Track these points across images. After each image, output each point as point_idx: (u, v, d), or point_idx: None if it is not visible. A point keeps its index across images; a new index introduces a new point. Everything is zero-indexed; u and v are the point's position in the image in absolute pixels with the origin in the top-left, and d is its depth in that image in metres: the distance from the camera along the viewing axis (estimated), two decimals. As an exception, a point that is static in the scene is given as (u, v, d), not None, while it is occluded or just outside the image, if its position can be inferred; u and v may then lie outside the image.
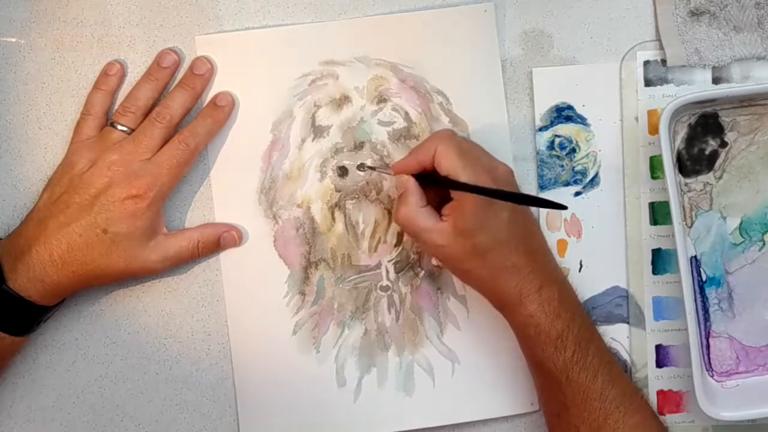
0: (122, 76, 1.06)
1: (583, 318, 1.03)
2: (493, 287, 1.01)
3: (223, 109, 1.05)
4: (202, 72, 1.05)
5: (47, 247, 0.99)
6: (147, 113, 1.04)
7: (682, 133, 1.06)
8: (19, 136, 1.07)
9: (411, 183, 1.00)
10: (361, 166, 1.07)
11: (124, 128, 1.03)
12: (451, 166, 0.98)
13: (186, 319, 1.08)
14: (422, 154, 1.00)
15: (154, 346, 1.08)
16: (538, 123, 1.08)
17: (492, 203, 0.97)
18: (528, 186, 1.08)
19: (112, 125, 1.04)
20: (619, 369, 1.03)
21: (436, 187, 1.00)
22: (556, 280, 1.02)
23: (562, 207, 0.95)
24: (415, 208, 0.99)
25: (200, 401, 1.08)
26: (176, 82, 1.06)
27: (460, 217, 0.98)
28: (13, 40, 1.06)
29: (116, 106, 1.05)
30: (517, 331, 1.02)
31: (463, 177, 0.97)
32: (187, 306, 1.08)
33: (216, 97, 1.06)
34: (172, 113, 1.03)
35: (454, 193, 0.99)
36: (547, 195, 1.08)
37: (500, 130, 1.07)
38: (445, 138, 1.00)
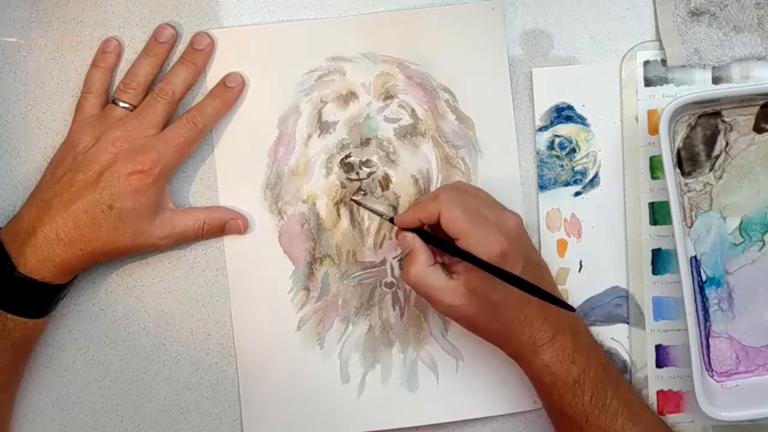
0: (120, 53, 1.06)
1: (599, 359, 1.03)
2: (506, 340, 1.01)
3: (233, 90, 1.05)
4: (202, 47, 1.05)
5: (53, 226, 0.99)
6: (148, 89, 1.05)
7: (682, 133, 1.06)
8: (19, 136, 1.06)
9: (417, 243, 0.99)
10: (353, 200, 1.07)
11: (126, 105, 1.03)
12: (458, 231, 0.97)
13: (186, 319, 1.08)
14: (425, 214, 0.99)
15: (154, 346, 1.08)
16: (538, 123, 1.08)
17: (506, 258, 0.96)
18: (528, 186, 1.08)
19: (114, 102, 1.04)
20: (640, 404, 1.03)
21: (441, 250, 1.00)
22: (570, 326, 1.01)
23: (571, 309, 0.95)
24: (424, 268, 0.98)
25: (200, 401, 1.08)
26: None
27: (472, 275, 0.97)
28: (13, 40, 1.06)
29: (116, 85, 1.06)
30: (532, 379, 1.02)
31: (473, 240, 0.96)
32: (187, 306, 1.08)
33: (226, 77, 1.06)
34: (174, 89, 1.04)
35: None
36: (547, 195, 1.08)
37: (507, 127, 1.07)
38: (449, 201, 0.98)
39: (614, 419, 0.99)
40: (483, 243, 0.96)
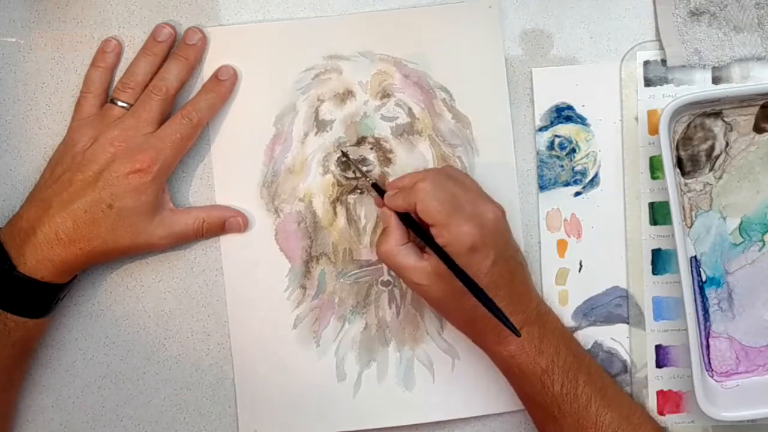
0: (119, 53, 1.06)
1: (570, 348, 1.02)
2: (471, 328, 1.01)
3: (225, 83, 1.06)
4: (194, 42, 1.05)
5: (52, 226, 0.99)
6: (146, 88, 1.04)
7: (682, 133, 1.06)
8: (19, 136, 1.07)
9: (393, 220, 1.00)
10: (343, 151, 1.07)
11: (124, 104, 1.04)
12: (433, 221, 0.97)
13: (186, 319, 1.08)
14: (405, 205, 0.99)
15: (154, 346, 1.08)
16: (538, 123, 1.08)
17: (476, 251, 0.97)
18: (528, 186, 1.08)
19: (113, 102, 1.04)
20: (615, 390, 1.03)
21: (415, 233, 1.00)
22: (537, 319, 1.01)
23: (516, 333, 0.94)
24: (395, 246, 0.99)
25: (200, 401, 1.08)
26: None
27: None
28: (13, 40, 1.06)
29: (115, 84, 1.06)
30: (501, 368, 1.03)
31: (445, 231, 0.97)
32: (187, 306, 1.08)
33: (218, 70, 1.06)
34: (168, 85, 1.04)
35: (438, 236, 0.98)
36: (547, 195, 1.08)
37: (503, 126, 1.07)
38: (426, 191, 0.98)
39: (587, 406, 0.99)
40: (455, 234, 0.96)
